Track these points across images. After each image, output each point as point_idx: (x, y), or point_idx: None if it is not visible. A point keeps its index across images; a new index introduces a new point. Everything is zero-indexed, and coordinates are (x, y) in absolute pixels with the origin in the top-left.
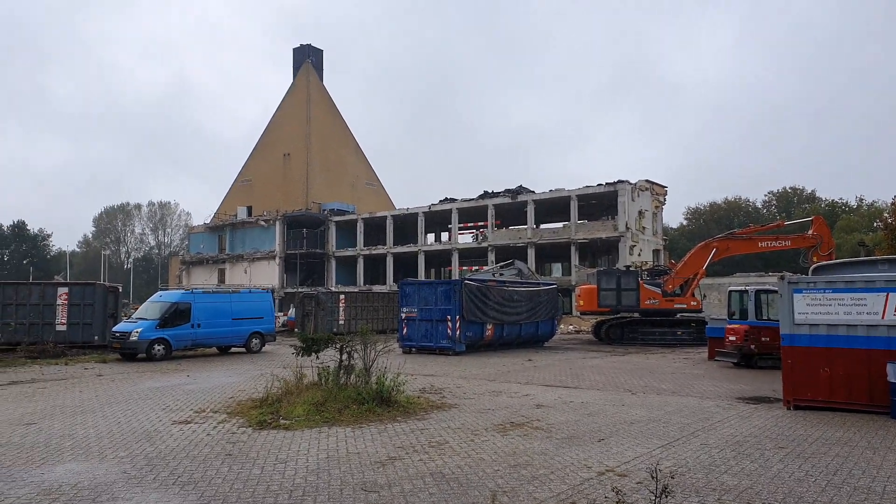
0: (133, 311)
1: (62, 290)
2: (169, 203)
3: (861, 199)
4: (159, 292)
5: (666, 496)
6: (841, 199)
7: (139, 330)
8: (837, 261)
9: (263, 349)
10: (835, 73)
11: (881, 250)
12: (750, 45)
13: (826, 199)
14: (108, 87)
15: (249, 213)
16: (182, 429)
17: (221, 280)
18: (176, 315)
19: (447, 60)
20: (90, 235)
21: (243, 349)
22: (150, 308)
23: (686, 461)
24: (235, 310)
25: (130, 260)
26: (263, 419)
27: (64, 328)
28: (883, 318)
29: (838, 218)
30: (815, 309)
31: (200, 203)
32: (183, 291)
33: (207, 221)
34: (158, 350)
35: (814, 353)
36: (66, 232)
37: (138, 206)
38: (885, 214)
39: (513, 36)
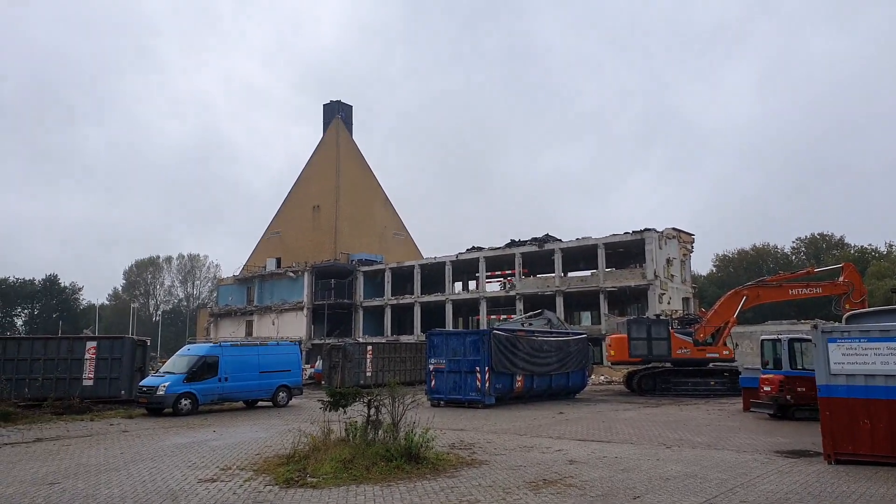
0: (160, 364)
1: (90, 345)
2: (198, 255)
3: (891, 245)
4: (187, 345)
5: None
6: (870, 244)
7: (166, 384)
8: (871, 309)
9: (290, 403)
10: (859, 116)
11: None
12: (773, 88)
13: (855, 246)
14: (138, 143)
15: (278, 265)
16: (208, 487)
17: (249, 332)
18: (204, 368)
19: (473, 111)
20: (120, 289)
21: (270, 403)
22: (178, 362)
23: None
24: (263, 363)
25: (159, 312)
26: (290, 477)
27: (91, 383)
28: None
29: (868, 264)
30: (851, 359)
31: (229, 256)
32: (211, 345)
33: (237, 273)
34: (185, 405)
35: (853, 404)
36: (97, 286)
37: (168, 259)
38: None
39: (538, 85)
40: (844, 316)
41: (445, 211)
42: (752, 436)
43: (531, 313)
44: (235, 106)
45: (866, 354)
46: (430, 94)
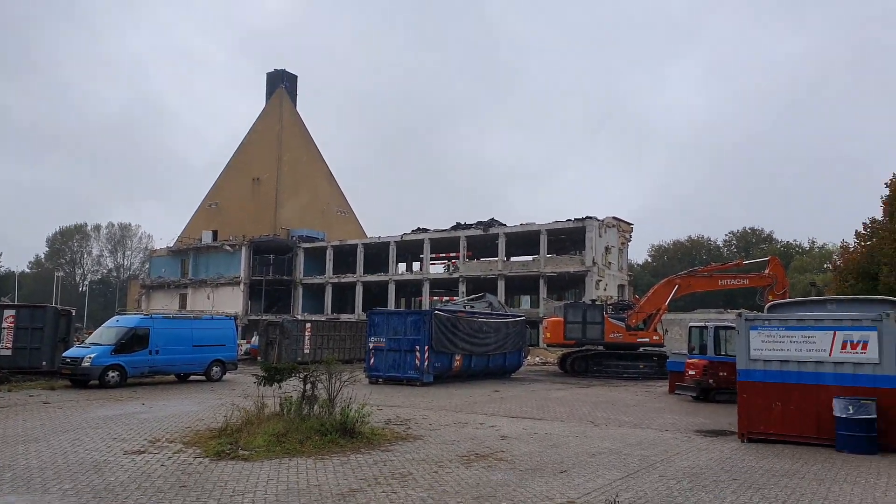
0: (87, 335)
1: (9, 313)
2: (129, 225)
3: (813, 242)
4: (116, 317)
5: None
6: (795, 240)
7: (92, 355)
8: (791, 300)
9: (224, 377)
10: (794, 116)
11: (830, 290)
12: (716, 84)
13: (781, 241)
14: (61, 103)
15: (215, 238)
16: (134, 459)
17: (183, 305)
18: (133, 340)
19: (421, 90)
20: (42, 256)
21: (203, 377)
22: (106, 333)
23: (644, 492)
24: (196, 336)
25: (86, 283)
26: (221, 450)
27: (9, 352)
28: (830, 355)
29: (792, 259)
30: (769, 346)
31: (164, 227)
32: (141, 316)
33: (171, 245)
34: (112, 377)
35: (768, 387)
36: (17, 252)
37: (97, 228)
38: (835, 257)
39: (486, 66)
40: (766, 306)
41: (391, 190)
42: (674, 416)
43: (473, 296)
44: (172, 70)
45: (783, 342)
46: (378, 70)
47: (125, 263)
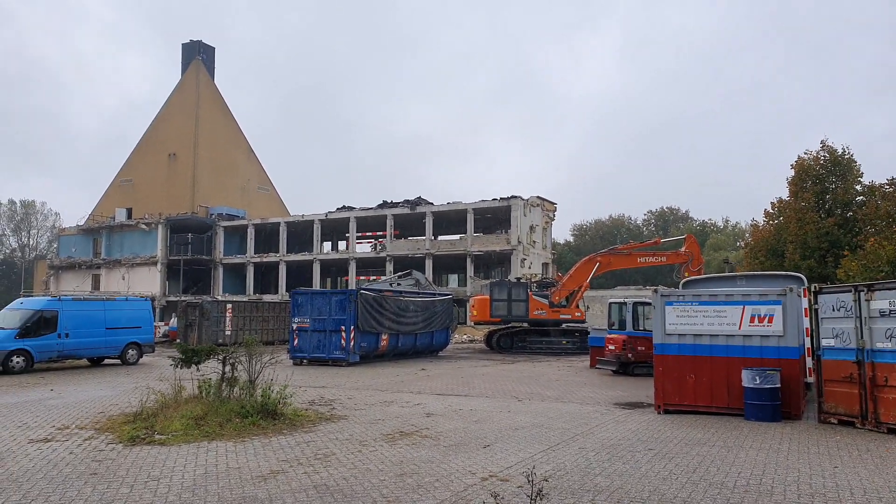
0: None
1: None
2: (33, 202)
3: (727, 221)
4: (20, 299)
5: (541, 499)
6: (710, 219)
7: None
8: (705, 276)
9: (141, 361)
10: (708, 96)
11: (741, 267)
12: (633, 60)
13: (698, 220)
14: None
15: (129, 216)
16: (40, 448)
17: (96, 287)
18: (40, 324)
19: (339, 65)
20: None
21: (118, 361)
22: (9, 316)
23: (564, 464)
24: (110, 318)
25: None
26: (136, 435)
27: None
28: (740, 328)
29: (708, 237)
30: (683, 320)
31: (58, 203)
32: (49, 298)
33: (81, 223)
34: (17, 362)
35: (682, 360)
36: None
37: None
38: (747, 235)
39: (397, 37)
40: (681, 282)
41: (313, 168)
42: (595, 390)
43: (400, 274)
44: (49, 25)
45: (696, 316)
46: (296, 45)
47: (30, 243)
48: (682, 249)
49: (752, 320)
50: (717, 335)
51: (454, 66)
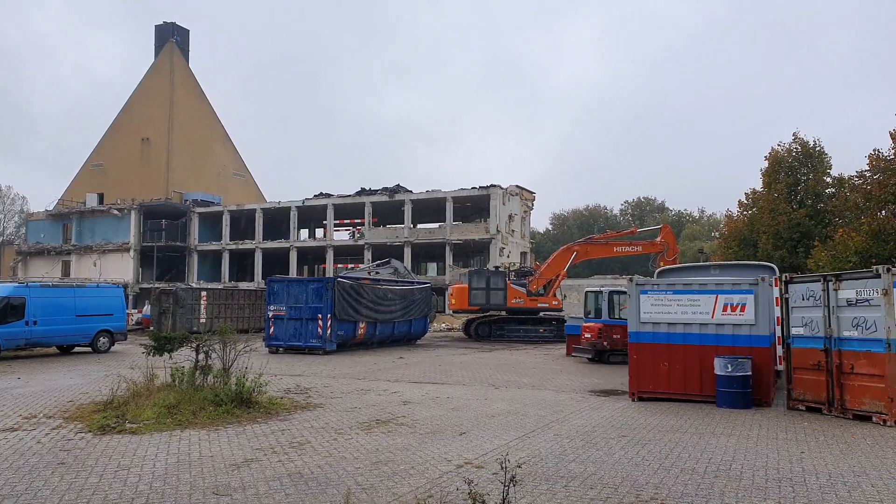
0: None
1: None
2: None
3: (703, 211)
4: None
5: (514, 485)
6: (686, 209)
7: None
8: (680, 265)
9: (112, 349)
10: (686, 87)
11: (716, 257)
12: (613, 49)
13: (674, 210)
14: None
15: (101, 201)
16: (6, 437)
17: (66, 273)
18: (6, 311)
19: (318, 49)
20: None
21: (89, 349)
22: None
23: (539, 451)
24: (80, 306)
25: None
26: (106, 423)
27: None
28: (713, 317)
29: (684, 227)
30: (657, 308)
31: (22, 186)
32: (16, 285)
33: (50, 208)
34: None
35: (656, 348)
36: None
37: None
38: (721, 225)
39: (379, 22)
40: (656, 271)
41: (290, 154)
42: (571, 377)
43: (379, 262)
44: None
45: (670, 305)
46: (273, 27)
47: None
48: (658, 239)
49: (724, 309)
50: (691, 324)
51: (434, 50)
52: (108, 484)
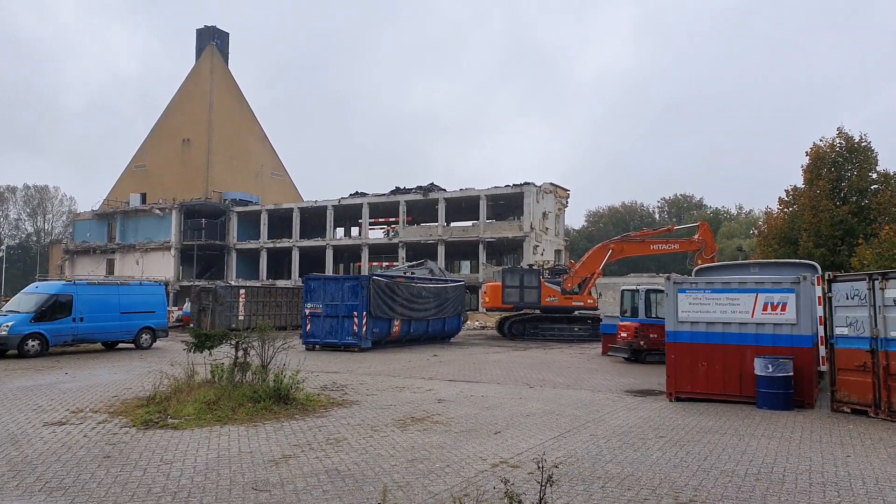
0: (4, 303)
1: None
2: (47, 187)
3: (741, 208)
4: (35, 283)
5: (551, 485)
6: (724, 207)
7: (10, 323)
8: (718, 263)
9: (154, 345)
10: (724, 81)
11: (756, 255)
12: (646, 35)
13: (711, 207)
14: None
15: (143, 201)
16: (55, 430)
17: (110, 271)
18: (55, 308)
19: (345, 45)
20: None
21: (132, 345)
22: (25, 300)
23: (575, 451)
24: (124, 303)
25: (3, 248)
26: (149, 418)
27: None
28: (752, 316)
29: (721, 224)
30: (696, 307)
31: (77, 188)
32: (64, 282)
33: (95, 208)
34: (32, 346)
35: (694, 348)
36: None
37: (12, 189)
38: (760, 222)
39: (402, 10)
40: (694, 270)
41: (321, 151)
42: (606, 377)
43: (413, 263)
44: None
45: (709, 304)
46: (306, 30)
47: (46, 227)
48: (696, 237)
49: (765, 308)
50: (730, 323)
51: (458, 41)
52: (152, 478)
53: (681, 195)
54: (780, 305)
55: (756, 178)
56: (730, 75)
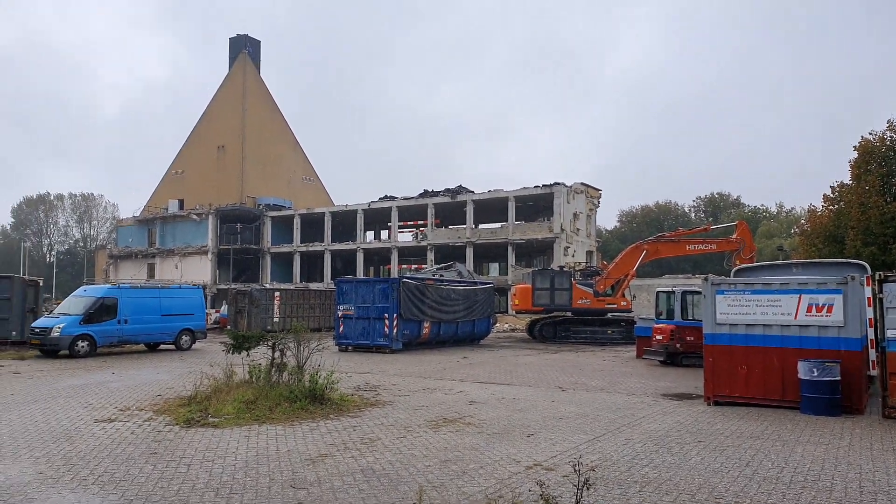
0: (55, 306)
1: None
2: (92, 194)
3: (781, 206)
4: (83, 287)
5: (588, 488)
6: (763, 205)
7: (61, 325)
8: (758, 264)
9: (194, 346)
10: (760, 76)
11: (797, 255)
12: (678, 33)
13: (749, 206)
14: None
15: (181, 207)
16: (104, 427)
17: (151, 275)
18: (101, 310)
19: (373, 55)
20: (8, 227)
21: (172, 346)
22: (74, 303)
23: (611, 455)
24: (165, 305)
25: (53, 253)
26: (191, 417)
27: None
28: (795, 318)
29: (760, 224)
30: (735, 309)
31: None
32: (109, 286)
33: (137, 214)
34: (82, 347)
35: (733, 351)
36: None
37: (60, 197)
38: (802, 221)
39: (441, 26)
40: (733, 270)
41: (352, 157)
42: (642, 380)
43: (441, 265)
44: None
45: (748, 306)
46: (328, 35)
47: (92, 233)
48: (734, 236)
49: (809, 310)
50: (772, 325)
51: (481, 40)
52: (196, 474)
53: (717, 193)
54: (826, 307)
55: (797, 176)
56: (767, 68)
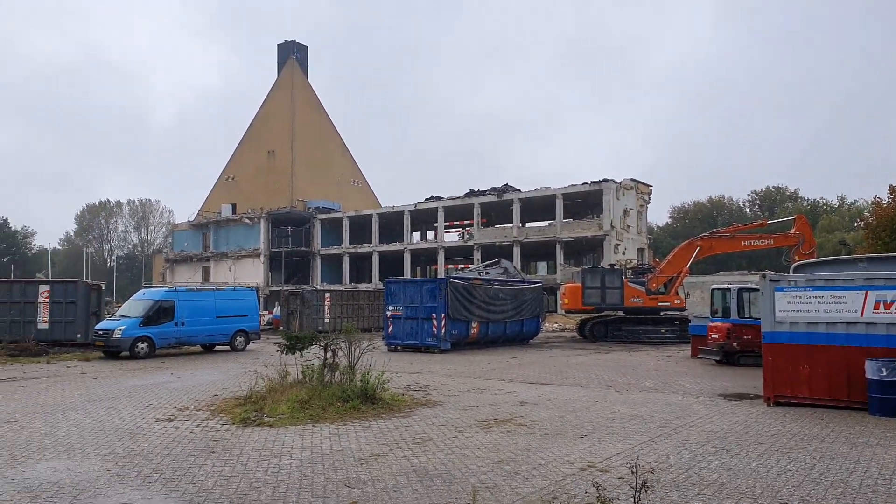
0: (116, 308)
1: (44, 288)
2: (149, 200)
3: (843, 199)
4: (142, 290)
5: (646, 491)
6: (822, 198)
7: (122, 328)
8: (818, 259)
9: (248, 347)
10: (817, 64)
11: (862, 249)
12: (729, 25)
13: (808, 199)
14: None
15: (234, 211)
16: (165, 426)
17: (206, 278)
18: (160, 313)
19: (416, 55)
20: (72, 233)
21: (227, 347)
22: (134, 306)
23: (667, 457)
24: (220, 308)
25: (114, 258)
26: (247, 417)
27: (46, 326)
28: (861, 315)
29: (820, 217)
30: (795, 307)
31: (178, 202)
32: (166, 289)
33: (191, 219)
34: (142, 348)
35: (794, 350)
36: (48, 230)
37: (119, 204)
38: (866, 213)
39: (483, 22)
40: (792, 266)
41: (397, 157)
42: (697, 380)
43: (488, 263)
44: (116, 18)
45: (810, 303)
46: (372, 33)
47: (149, 238)
48: (792, 231)
49: (876, 307)
50: (835, 323)
51: (526, 35)
52: (252, 472)
53: (773, 187)
54: (895, 304)
55: (859, 168)
56: (823, 58)
